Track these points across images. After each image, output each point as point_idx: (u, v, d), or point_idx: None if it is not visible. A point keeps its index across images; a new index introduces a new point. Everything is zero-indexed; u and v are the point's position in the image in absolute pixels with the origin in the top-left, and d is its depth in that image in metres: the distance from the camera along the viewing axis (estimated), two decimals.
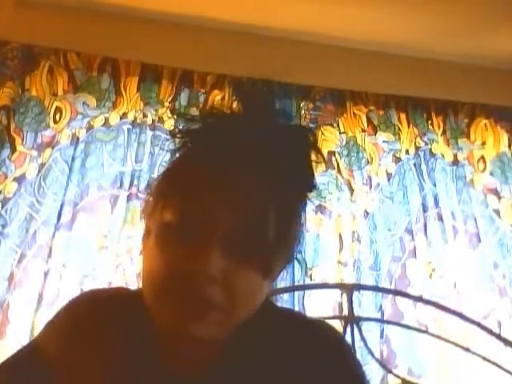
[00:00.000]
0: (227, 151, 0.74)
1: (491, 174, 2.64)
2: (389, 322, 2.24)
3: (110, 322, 0.83)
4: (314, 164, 0.79)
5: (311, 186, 0.80)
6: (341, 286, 2.15)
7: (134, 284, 2.02)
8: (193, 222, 0.73)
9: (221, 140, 0.75)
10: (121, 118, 2.28)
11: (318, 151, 0.80)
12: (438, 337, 2.07)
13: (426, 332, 2.16)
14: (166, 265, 0.73)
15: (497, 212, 2.57)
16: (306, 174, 0.79)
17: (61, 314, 0.89)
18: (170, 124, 2.30)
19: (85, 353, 0.81)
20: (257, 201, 0.74)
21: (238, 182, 0.74)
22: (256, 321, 0.79)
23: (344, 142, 2.48)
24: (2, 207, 2.07)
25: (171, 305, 0.72)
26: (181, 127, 0.80)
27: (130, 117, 2.28)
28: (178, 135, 0.80)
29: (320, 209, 2.31)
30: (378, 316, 2.24)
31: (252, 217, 0.73)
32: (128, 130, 2.27)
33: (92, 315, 0.85)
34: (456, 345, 2.00)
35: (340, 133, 2.49)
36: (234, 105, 0.81)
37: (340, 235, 2.33)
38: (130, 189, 2.18)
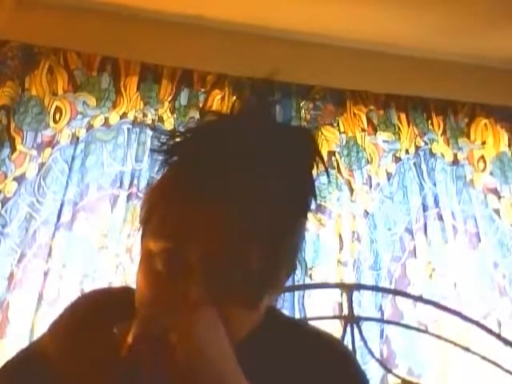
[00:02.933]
0: (212, 173, 0.70)
1: (491, 173, 2.63)
2: (389, 322, 2.25)
3: (114, 322, 0.83)
4: (315, 183, 0.77)
5: (312, 194, 0.77)
6: (341, 286, 2.15)
7: (134, 284, 2.02)
8: (176, 256, 0.71)
9: (205, 157, 0.72)
10: (121, 118, 2.28)
11: (320, 158, 0.77)
12: (438, 336, 2.07)
13: (425, 332, 2.16)
14: (148, 295, 0.74)
15: (497, 212, 2.57)
16: (306, 184, 0.76)
17: (65, 314, 0.88)
18: (170, 123, 2.30)
19: (88, 353, 0.80)
20: (239, 231, 0.70)
21: (218, 212, 0.69)
22: (261, 333, 0.78)
23: (344, 142, 2.48)
24: (2, 207, 2.07)
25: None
26: (161, 144, 0.76)
27: (130, 116, 2.28)
28: (160, 151, 0.77)
29: (320, 209, 2.31)
30: (378, 316, 2.25)
31: (233, 248, 0.70)
32: (128, 129, 2.27)
33: (96, 315, 0.84)
34: (456, 344, 2.00)
35: (340, 132, 2.49)
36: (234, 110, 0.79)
37: (340, 235, 2.33)
38: (129, 188, 2.18)
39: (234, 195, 0.69)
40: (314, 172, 0.77)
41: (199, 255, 0.69)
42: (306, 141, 0.77)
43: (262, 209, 0.70)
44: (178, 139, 0.76)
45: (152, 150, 0.79)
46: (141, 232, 0.77)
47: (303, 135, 0.78)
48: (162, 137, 0.76)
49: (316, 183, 0.78)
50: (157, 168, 0.78)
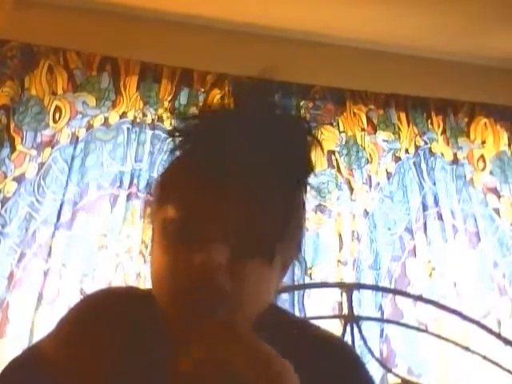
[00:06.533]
0: (226, 147, 0.74)
1: (491, 173, 2.63)
2: (388, 321, 2.24)
3: (122, 321, 0.83)
4: (310, 149, 0.80)
5: (310, 169, 0.80)
6: (340, 285, 2.15)
7: (134, 283, 2.03)
8: (195, 215, 0.73)
9: (219, 137, 0.76)
10: (120, 118, 2.27)
11: (314, 137, 0.80)
12: (438, 336, 2.07)
13: (425, 331, 2.16)
14: (171, 259, 0.74)
15: (496, 211, 2.57)
16: (303, 160, 0.79)
17: (70, 314, 0.88)
18: (169, 123, 2.30)
19: (92, 354, 0.80)
20: (258, 192, 0.74)
21: (238, 176, 0.74)
22: (270, 334, 0.79)
23: (344, 141, 2.48)
24: (2, 207, 2.07)
25: (180, 299, 0.72)
26: (179, 126, 0.80)
27: (130, 116, 2.28)
28: (177, 134, 0.80)
29: (320, 208, 2.31)
30: (378, 315, 2.25)
31: (254, 207, 0.74)
32: (128, 129, 2.26)
33: (101, 316, 0.84)
34: (456, 344, 2.00)
35: (340, 132, 2.49)
36: (231, 101, 0.82)
37: (340, 234, 2.33)
38: (129, 188, 2.18)
39: (245, 163, 0.74)
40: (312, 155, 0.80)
41: (222, 214, 0.73)
42: (301, 125, 0.81)
43: (268, 178, 0.75)
44: (191, 123, 0.79)
45: (168, 133, 0.81)
46: (154, 206, 0.80)
47: (299, 120, 0.83)
48: (178, 122, 0.80)
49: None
50: (166, 154, 0.82)
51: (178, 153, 0.80)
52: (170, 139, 0.80)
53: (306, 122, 0.81)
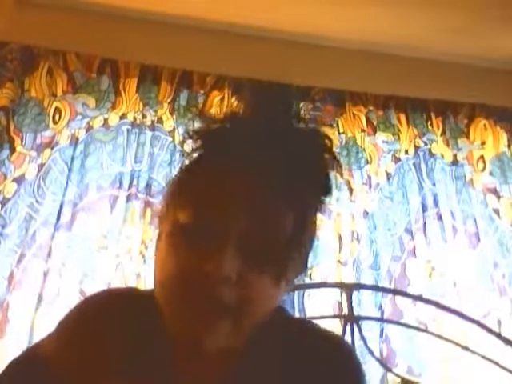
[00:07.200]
0: (242, 155, 0.74)
1: (491, 173, 2.63)
2: (388, 321, 2.24)
3: (123, 322, 0.83)
4: (328, 168, 0.79)
5: (326, 189, 0.79)
6: (340, 286, 2.16)
7: (134, 284, 2.03)
8: (206, 222, 0.73)
9: (236, 144, 0.75)
10: (120, 119, 2.28)
11: (333, 155, 0.79)
12: (438, 336, 2.07)
13: (425, 331, 2.16)
14: (178, 266, 0.73)
15: (496, 211, 2.57)
16: (320, 178, 0.78)
17: (71, 315, 0.88)
18: (169, 124, 2.30)
19: (93, 355, 0.80)
20: (271, 204, 0.73)
21: (252, 186, 0.73)
22: (271, 333, 0.80)
23: (343, 142, 2.48)
24: (2, 207, 2.07)
25: (183, 308, 0.72)
26: (197, 129, 0.80)
27: (130, 117, 2.28)
28: (195, 137, 0.80)
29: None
30: (378, 315, 2.24)
31: (266, 220, 0.73)
32: (127, 130, 2.27)
33: (102, 317, 0.84)
34: (456, 344, 2.00)
35: (339, 133, 2.49)
36: (248, 108, 0.82)
37: (339, 235, 2.33)
38: (129, 189, 2.18)
39: (260, 173, 0.73)
40: (330, 174, 0.79)
41: (233, 225, 0.72)
42: (318, 140, 0.79)
43: (283, 192, 0.74)
44: (209, 128, 0.79)
45: (188, 136, 0.80)
46: (165, 209, 0.80)
47: (315, 134, 0.80)
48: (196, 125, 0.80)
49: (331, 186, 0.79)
50: (182, 157, 0.82)
51: (194, 156, 0.80)
52: (189, 141, 0.80)
53: (329, 138, 0.80)
